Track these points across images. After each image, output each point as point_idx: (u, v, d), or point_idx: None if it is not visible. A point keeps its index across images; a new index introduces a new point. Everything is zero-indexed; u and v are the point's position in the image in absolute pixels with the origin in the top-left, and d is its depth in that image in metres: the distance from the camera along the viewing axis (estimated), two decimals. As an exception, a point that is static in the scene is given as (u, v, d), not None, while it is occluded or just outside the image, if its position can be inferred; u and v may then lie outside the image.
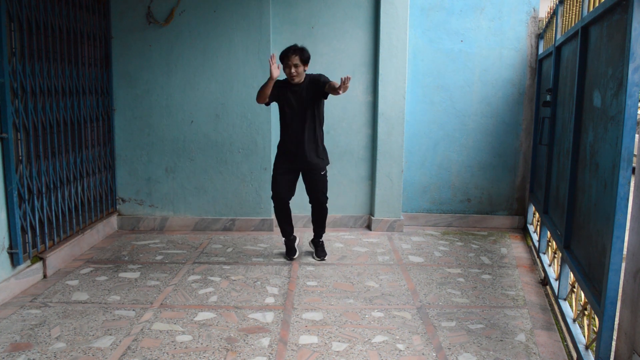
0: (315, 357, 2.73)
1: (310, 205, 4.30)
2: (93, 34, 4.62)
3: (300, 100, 3.94)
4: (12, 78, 3.45)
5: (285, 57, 3.85)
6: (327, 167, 4.23)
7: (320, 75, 3.97)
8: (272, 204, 4.36)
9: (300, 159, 4.03)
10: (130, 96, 5.01)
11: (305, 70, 3.92)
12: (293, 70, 3.83)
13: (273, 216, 5.17)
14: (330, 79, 3.96)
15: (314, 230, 4.37)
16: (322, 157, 4.11)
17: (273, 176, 4.15)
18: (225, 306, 3.36)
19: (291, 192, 4.17)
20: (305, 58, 3.88)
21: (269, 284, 3.74)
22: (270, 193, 4.42)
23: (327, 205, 4.30)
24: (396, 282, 3.81)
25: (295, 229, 5.19)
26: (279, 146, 4.16)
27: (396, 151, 5.10)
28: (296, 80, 3.89)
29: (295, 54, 3.82)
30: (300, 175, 4.18)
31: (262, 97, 3.86)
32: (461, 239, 4.96)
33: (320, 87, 3.90)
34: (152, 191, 5.15)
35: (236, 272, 3.98)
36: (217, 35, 4.93)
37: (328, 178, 5.21)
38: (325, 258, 4.28)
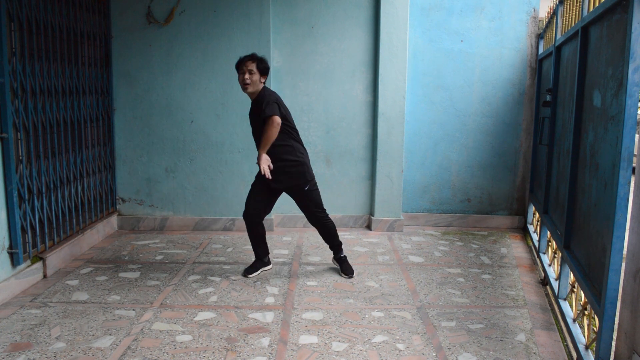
0: (315, 357, 2.73)
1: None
2: (93, 34, 4.62)
3: (256, 115, 3.61)
4: (12, 78, 3.45)
5: (240, 63, 3.59)
6: (311, 179, 3.76)
7: (268, 102, 3.52)
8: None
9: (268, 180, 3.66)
10: (130, 96, 5.01)
11: (262, 82, 3.61)
12: (247, 76, 3.54)
13: (273, 216, 5.17)
14: (268, 111, 3.49)
15: (329, 247, 4.01)
16: (298, 174, 3.70)
17: (250, 190, 3.86)
18: (225, 306, 3.36)
19: (264, 211, 3.80)
20: (262, 67, 3.59)
21: (269, 284, 3.74)
22: None
23: (329, 213, 3.94)
24: (396, 282, 3.81)
25: (294, 229, 5.21)
26: None
27: (396, 151, 5.10)
28: (249, 89, 3.58)
29: (252, 61, 3.57)
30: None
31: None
32: (461, 239, 4.96)
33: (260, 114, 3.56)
34: (152, 191, 5.15)
35: (236, 272, 3.98)
36: (217, 35, 4.93)
37: (327, 178, 5.24)
38: (354, 275, 3.90)
